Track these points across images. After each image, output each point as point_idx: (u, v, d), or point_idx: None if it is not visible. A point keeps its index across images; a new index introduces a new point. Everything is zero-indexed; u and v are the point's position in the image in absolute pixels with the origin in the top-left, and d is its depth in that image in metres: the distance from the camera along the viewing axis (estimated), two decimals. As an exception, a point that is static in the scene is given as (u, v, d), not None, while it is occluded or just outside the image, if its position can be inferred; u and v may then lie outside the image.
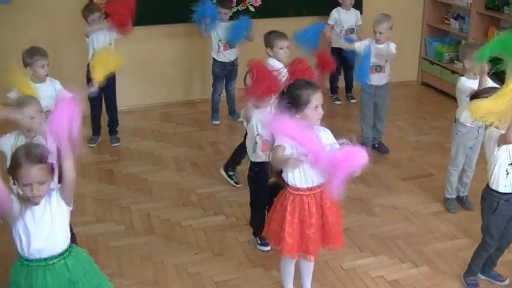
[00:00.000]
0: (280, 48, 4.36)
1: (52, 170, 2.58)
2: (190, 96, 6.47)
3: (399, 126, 5.92)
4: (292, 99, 2.91)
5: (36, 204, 2.58)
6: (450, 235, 4.11)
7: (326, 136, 3.02)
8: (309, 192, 3.03)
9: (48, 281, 2.63)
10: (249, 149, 3.78)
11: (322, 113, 2.95)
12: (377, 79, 5.05)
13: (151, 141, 5.54)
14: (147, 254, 3.87)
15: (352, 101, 6.51)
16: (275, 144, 2.92)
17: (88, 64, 5.13)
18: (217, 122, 5.91)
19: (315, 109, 2.91)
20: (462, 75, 4.26)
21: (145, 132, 5.73)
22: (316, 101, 2.90)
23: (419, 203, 4.50)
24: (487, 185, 3.35)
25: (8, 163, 2.76)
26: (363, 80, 5.00)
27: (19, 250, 2.65)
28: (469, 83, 4.05)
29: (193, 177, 4.87)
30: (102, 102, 5.36)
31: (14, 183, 2.58)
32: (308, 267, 3.36)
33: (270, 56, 4.40)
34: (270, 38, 4.42)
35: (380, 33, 4.89)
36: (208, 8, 5.50)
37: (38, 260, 2.63)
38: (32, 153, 2.52)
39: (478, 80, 4.02)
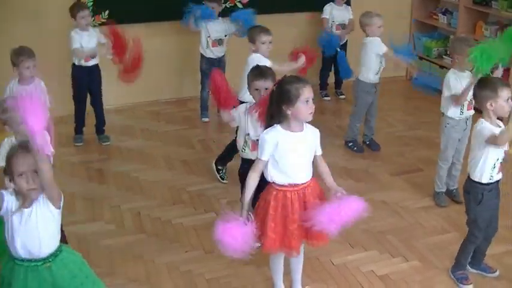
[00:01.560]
0: (263, 43, 4.36)
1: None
2: (180, 94, 6.45)
3: (388, 121, 5.94)
4: (282, 94, 2.93)
5: (30, 202, 2.57)
6: (440, 229, 4.13)
7: (314, 137, 3.06)
8: (291, 189, 3.04)
9: (29, 282, 2.62)
10: (239, 146, 3.79)
11: (313, 106, 2.96)
12: (378, 77, 5.10)
13: (141, 140, 5.52)
14: (138, 252, 3.85)
15: (341, 96, 6.52)
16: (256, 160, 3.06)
17: (73, 64, 5.10)
18: (206, 119, 5.90)
19: (306, 102, 2.92)
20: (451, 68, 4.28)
21: (134, 130, 5.71)
22: (306, 94, 2.91)
23: (409, 198, 4.52)
24: (469, 178, 3.38)
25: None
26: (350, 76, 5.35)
27: (8, 245, 2.64)
28: (457, 76, 4.08)
29: (184, 175, 4.86)
30: (87, 101, 5.34)
31: (10, 180, 2.56)
32: (297, 262, 3.37)
33: (253, 51, 4.40)
34: (253, 33, 4.43)
35: (382, 26, 4.96)
36: (197, 7, 5.51)
37: (22, 260, 2.63)
38: (26, 144, 2.53)
39: (466, 74, 4.04)
